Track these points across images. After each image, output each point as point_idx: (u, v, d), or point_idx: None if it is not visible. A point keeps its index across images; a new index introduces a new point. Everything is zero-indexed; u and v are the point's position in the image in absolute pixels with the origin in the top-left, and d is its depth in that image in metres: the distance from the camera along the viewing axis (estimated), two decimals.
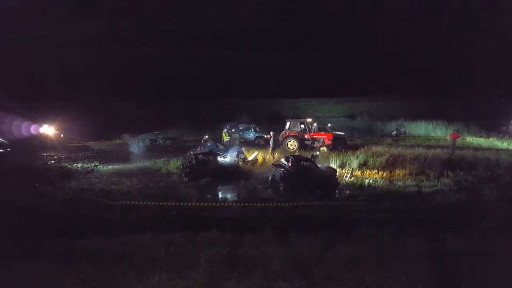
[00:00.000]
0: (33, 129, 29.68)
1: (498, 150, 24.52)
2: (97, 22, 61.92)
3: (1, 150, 24.01)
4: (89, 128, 33.62)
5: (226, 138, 27.76)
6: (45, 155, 25.87)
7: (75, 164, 22.92)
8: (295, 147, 25.19)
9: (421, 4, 68.89)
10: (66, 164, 23.08)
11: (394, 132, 33.66)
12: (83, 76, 50.65)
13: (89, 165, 22.70)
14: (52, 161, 24.10)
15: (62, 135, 30.83)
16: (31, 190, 16.53)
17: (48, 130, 29.89)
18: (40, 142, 29.06)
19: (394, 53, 62.96)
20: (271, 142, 23.68)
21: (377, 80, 55.29)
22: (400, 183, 17.58)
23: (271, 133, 24.63)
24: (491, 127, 32.10)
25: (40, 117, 30.29)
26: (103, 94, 45.95)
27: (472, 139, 29.92)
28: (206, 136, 25.66)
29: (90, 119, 34.63)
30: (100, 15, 64.21)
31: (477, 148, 25.72)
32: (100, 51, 56.15)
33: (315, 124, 26.55)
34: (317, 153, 21.19)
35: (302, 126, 26.09)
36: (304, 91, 53.81)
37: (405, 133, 33.57)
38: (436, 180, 17.81)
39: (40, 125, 29.72)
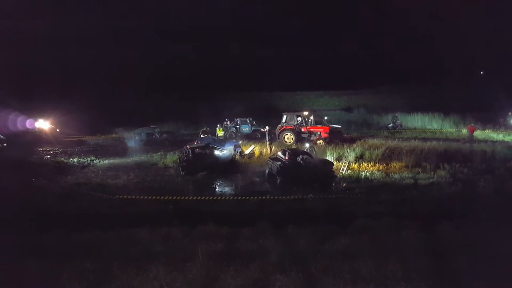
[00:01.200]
0: (28, 123, 29.53)
1: (494, 142, 24.61)
2: (93, 19, 61.55)
3: None
4: (85, 123, 33.44)
5: (220, 132, 27.54)
6: (41, 150, 25.74)
7: (71, 159, 22.83)
8: (291, 141, 25.19)
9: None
10: (62, 158, 22.99)
11: (391, 124, 33.73)
12: (78, 71, 50.34)
13: (85, 160, 22.64)
14: (48, 156, 23.99)
15: (57, 130, 30.68)
16: (27, 184, 16.46)
17: (43, 124, 29.75)
18: (36, 136, 28.92)
19: (390, 45, 62.92)
20: (267, 136, 23.68)
21: (374, 73, 55.28)
22: (396, 176, 17.65)
23: (267, 127, 24.63)
24: (487, 119, 32.20)
25: (36, 111, 30.11)
26: (99, 89, 45.72)
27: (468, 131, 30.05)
28: (207, 128, 25.54)
29: (86, 113, 34.45)
30: (96, 12, 63.66)
31: (473, 140, 25.84)
32: (96, 47, 55.80)
33: (311, 117, 26.55)
34: (306, 145, 21.12)
35: (299, 119, 26.08)
36: (301, 84, 53.76)
37: (401, 125, 33.63)
38: (432, 173, 17.90)
39: (36, 120, 29.56)
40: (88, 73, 49.60)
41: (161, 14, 67.53)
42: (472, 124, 27.78)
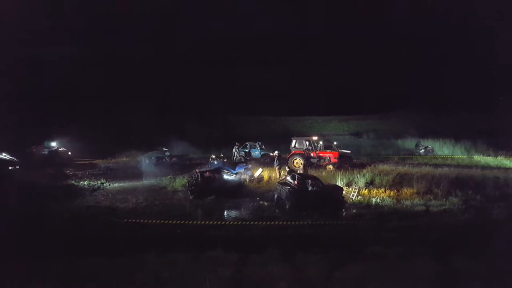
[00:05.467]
0: (41, 147, 30.05)
1: (507, 169, 24.19)
2: (103, 40, 63.34)
3: (10, 168, 24.28)
4: (96, 146, 33.87)
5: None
6: (52, 173, 26.03)
7: (81, 182, 23.04)
8: (301, 165, 25.07)
9: (431, 24, 69.13)
10: (73, 181, 23.20)
11: (422, 150, 33.27)
12: (90, 94, 51.29)
13: (96, 183, 22.81)
14: (59, 179, 24.22)
15: (69, 153, 31.10)
16: (37, 207, 16.57)
17: (56, 147, 30.22)
18: (48, 159, 29.32)
19: (400, 70, 63.21)
20: (276, 160, 23.64)
21: (383, 98, 55.35)
22: (407, 202, 17.39)
23: (276, 151, 24.62)
24: (498, 145, 31.75)
25: (49, 135, 30.70)
26: (110, 112, 46.57)
27: (480, 158, 29.62)
28: (213, 156, 25.61)
29: (98, 136, 34.99)
30: (106, 33, 65.36)
31: (485, 167, 25.43)
32: (107, 69, 57.06)
33: (321, 142, 26.51)
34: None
35: (308, 143, 26.06)
36: (310, 109, 54.00)
37: (433, 150, 33.21)
38: (444, 199, 17.59)
39: (49, 143, 30.08)
40: (100, 96, 50.54)
41: (170, 34, 68.99)
42: None
